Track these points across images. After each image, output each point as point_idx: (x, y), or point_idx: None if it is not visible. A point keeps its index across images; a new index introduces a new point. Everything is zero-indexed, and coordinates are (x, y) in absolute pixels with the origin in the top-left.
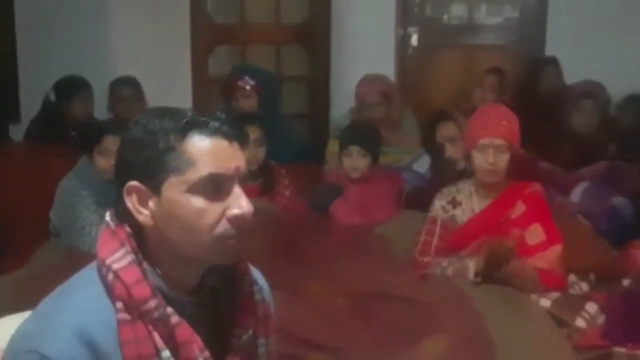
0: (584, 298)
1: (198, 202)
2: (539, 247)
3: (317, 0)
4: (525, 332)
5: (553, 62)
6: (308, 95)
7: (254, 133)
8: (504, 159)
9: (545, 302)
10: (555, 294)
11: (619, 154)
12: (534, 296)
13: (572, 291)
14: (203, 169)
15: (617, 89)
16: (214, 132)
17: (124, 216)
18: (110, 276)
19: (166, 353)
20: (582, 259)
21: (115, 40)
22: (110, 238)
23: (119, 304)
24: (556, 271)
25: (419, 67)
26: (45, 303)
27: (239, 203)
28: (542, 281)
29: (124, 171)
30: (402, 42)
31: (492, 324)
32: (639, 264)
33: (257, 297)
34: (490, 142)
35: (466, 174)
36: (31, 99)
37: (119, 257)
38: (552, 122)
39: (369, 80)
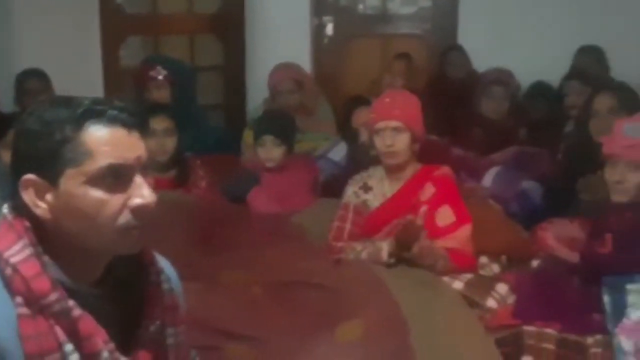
0: (495, 279)
1: (98, 193)
2: (449, 228)
3: None
4: (439, 313)
5: (457, 49)
6: (224, 86)
7: (162, 123)
8: (401, 141)
9: (458, 284)
10: (466, 276)
11: (528, 139)
12: (446, 278)
13: (483, 273)
14: (101, 160)
15: (526, 76)
16: (111, 121)
17: (22, 209)
18: (9, 270)
19: (69, 347)
20: (493, 242)
21: (21, 31)
22: (8, 231)
23: (19, 298)
24: (466, 251)
25: (335, 57)
26: None
27: (141, 192)
28: (452, 260)
29: (19, 164)
30: (318, 31)
31: (405, 307)
32: (548, 245)
33: (165, 286)
34: (386, 125)
35: (379, 161)
36: None
37: (17, 250)
38: (464, 108)
39: (281, 68)
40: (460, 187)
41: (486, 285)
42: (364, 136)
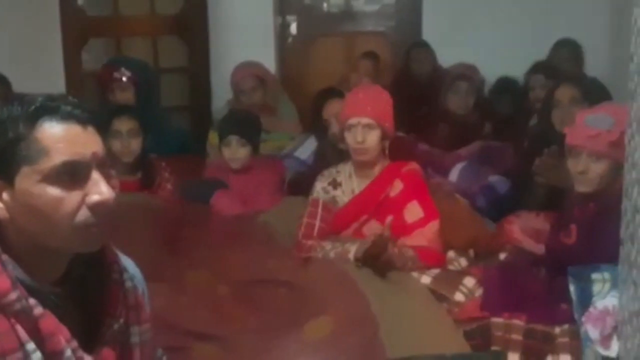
0: (462, 273)
1: (54, 191)
2: (417, 224)
3: None
4: (407, 308)
5: (422, 45)
6: (189, 87)
7: (127, 124)
8: (372, 137)
9: (426, 279)
10: (434, 271)
11: (493, 133)
12: (414, 274)
13: (451, 267)
14: (57, 158)
15: (491, 71)
16: (66, 118)
17: None
18: None
19: (31, 346)
20: (460, 236)
21: None
22: None
23: None
24: (434, 247)
25: (299, 55)
26: None
27: (99, 189)
28: (421, 259)
29: None
30: (281, 30)
31: (375, 303)
32: (514, 238)
33: (128, 284)
34: (358, 120)
35: (348, 155)
36: None
37: None
38: (430, 104)
39: (243, 66)
40: (427, 182)
41: (454, 279)
42: (334, 127)
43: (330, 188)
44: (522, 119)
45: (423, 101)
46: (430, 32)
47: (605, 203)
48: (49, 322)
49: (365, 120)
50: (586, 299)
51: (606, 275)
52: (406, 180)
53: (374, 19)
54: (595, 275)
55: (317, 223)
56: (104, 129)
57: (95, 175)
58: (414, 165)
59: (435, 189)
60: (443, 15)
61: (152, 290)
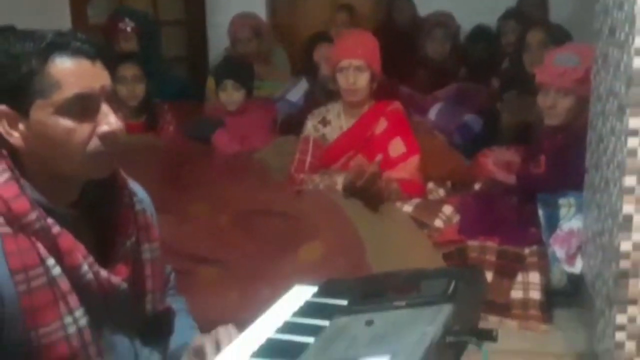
0: (441, 202)
1: (67, 122)
2: (400, 158)
3: None
4: (391, 234)
5: None
6: (186, 39)
7: (131, 70)
8: (363, 79)
9: (408, 208)
10: (416, 201)
11: (468, 76)
12: (398, 203)
13: (430, 197)
14: (68, 91)
15: (466, 17)
16: (76, 53)
17: None
18: None
19: (51, 261)
20: (439, 169)
21: None
22: None
23: (0, 219)
24: (415, 179)
25: (289, 7)
26: None
27: (108, 120)
28: (403, 190)
29: None
30: None
31: (361, 229)
32: (488, 170)
33: (137, 207)
34: (349, 63)
35: (338, 95)
36: None
37: None
38: (410, 52)
39: (240, 17)
40: (408, 121)
41: (433, 207)
42: (324, 69)
43: (320, 126)
44: (494, 62)
45: (404, 48)
46: None
47: (572, 135)
48: (67, 239)
49: (356, 62)
50: (553, 223)
51: (572, 200)
52: (390, 118)
53: None
54: (562, 201)
55: (308, 159)
56: (110, 71)
57: (105, 107)
58: (397, 105)
59: (416, 127)
60: None
61: (159, 221)
